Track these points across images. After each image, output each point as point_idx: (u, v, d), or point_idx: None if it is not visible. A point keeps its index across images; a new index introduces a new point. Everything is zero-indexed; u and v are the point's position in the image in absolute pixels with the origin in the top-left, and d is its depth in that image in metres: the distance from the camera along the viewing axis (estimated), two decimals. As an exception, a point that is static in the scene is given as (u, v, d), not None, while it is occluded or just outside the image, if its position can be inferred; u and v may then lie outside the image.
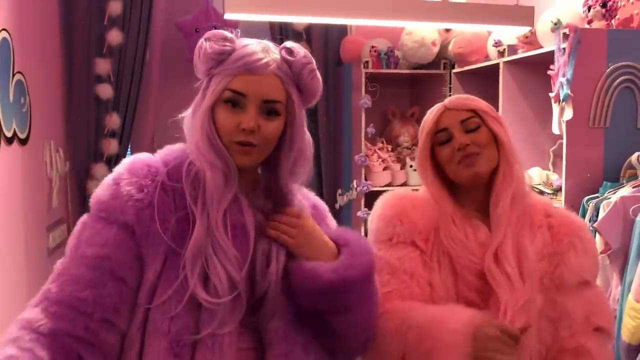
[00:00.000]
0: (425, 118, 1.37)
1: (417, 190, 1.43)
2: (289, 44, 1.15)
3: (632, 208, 1.96)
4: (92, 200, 1.11)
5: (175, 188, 1.10)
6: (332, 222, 1.27)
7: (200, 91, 1.14)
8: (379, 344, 1.20)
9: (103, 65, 3.01)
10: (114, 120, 3.03)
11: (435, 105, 1.37)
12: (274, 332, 1.11)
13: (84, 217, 1.11)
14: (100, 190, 1.11)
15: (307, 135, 1.20)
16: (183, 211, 1.08)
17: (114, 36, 2.99)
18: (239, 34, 1.14)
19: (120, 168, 1.12)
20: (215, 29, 1.18)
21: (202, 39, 1.12)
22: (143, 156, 1.14)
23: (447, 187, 1.35)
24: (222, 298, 1.05)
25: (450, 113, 1.33)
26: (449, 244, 1.27)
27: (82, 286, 1.03)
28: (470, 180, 1.30)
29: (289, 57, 1.12)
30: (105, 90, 3.02)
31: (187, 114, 1.16)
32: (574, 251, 1.29)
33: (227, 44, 1.10)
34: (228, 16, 2.06)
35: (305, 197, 1.23)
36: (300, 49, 1.15)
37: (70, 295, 1.03)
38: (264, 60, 1.09)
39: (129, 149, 3.13)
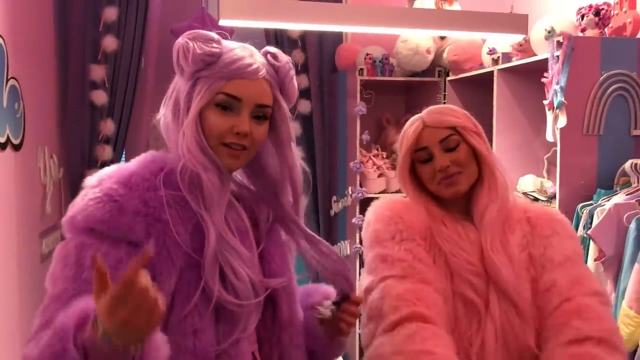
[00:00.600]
0: (404, 130, 1.38)
1: None
2: (271, 49, 1.15)
3: (625, 215, 1.96)
4: (84, 219, 1.00)
5: (174, 198, 1.05)
6: None
7: (178, 92, 1.11)
8: None
9: (98, 72, 3.00)
10: (108, 127, 3.02)
11: (414, 118, 1.38)
12: (289, 340, 1.16)
13: (79, 239, 1.00)
14: (92, 208, 1.00)
15: (294, 145, 1.21)
16: (190, 220, 1.05)
17: (109, 42, 2.99)
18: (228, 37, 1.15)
19: (108, 183, 1.03)
20: (227, 36, 1.17)
21: (184, 38, 1.09)
22: (129, 170, 1.07)
23: (430, 195, 1.38)
24: (246, 300, 1.05)
25: (429, 131, 1.35)
26: (443, 243, 1.30)
27: None
28: (452, 197, 1.35)
29: (275, 62, 1.14)
30: (100, 97, 3.01)
31: (165, 116, 1.12)
32: (557, 236, 1.34)
33: (215, 45, 1.09)
34: (223, 23, 2.06)
35: None
36: (283, 54, 1.16)
37: None
38: (256, 65, 1.10)
39: (123, 155, 3.12)
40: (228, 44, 1.12)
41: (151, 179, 1.06)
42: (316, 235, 1.21)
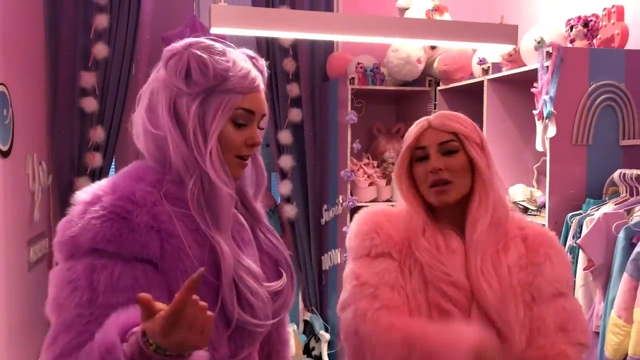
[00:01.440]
0: (410, 129, 1.39)
1: None
2: (249, 52, 1.15)
3: (614, 225, 1.97)
4: (92, 242, 0.93)
5: (179, 214, 1.02)
6: None
7: (174, 103, 1.05)
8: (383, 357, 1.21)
9: (88, 79, 2.99)
10: (98, 134, 3.01)
11: (422, 119, 1.38)
12: (282, 338, 1.19)
13: (86, 261, 0.93)
14: (99, 229, 0.93)
15: None
16: (196, 235, 1.02)
17: (100, 49, 2.98)
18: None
19: (110, 201, 0.97)
20: (218, 40, 1.15)
21: (189, 49, 1.04)
22: (127, 185, 1.01)
23: (423, 199, 1.37)
24: (264, 320, 1.06)
25: (432, 132, 1.34)
26: (420, 254, 1.30)
27: None
28: (440, 206, 1.34)
29: (261, 68, 1.15)
30: (90, 104, 3.00)
31: (150, 125, 1.07)
32: (549, 263, 1.32)
33: (225, 58, 1.06)
34: (214, 31, 2.06)
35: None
36: (258, 56, 1.16)
37: None
38: (259, 78, 1.12)
39: (113, 163, 3.11)
40: (229, 53, 1.10)
41: (154, 192, 1.01)
42: (270, 226, 1.22)
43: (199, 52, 1.04)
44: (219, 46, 1.08)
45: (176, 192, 1.04)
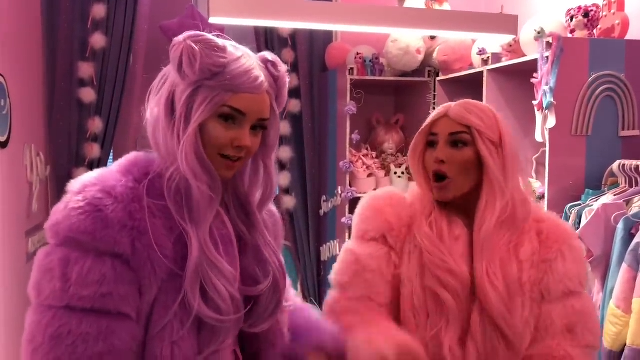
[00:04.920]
0: (434, 112, 1.37)
1: None
2: (269, 55, 1.13)
3: (613, 215, 1.97)
4: (68, 230, 0.97)
5: (159, 208, 1.03)
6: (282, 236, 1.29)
7: (173, 93, 1.06)
8: None
9: (86, 69, 2.97)
10: (96, 125, 3.00)
11: (447, 104, 1.35)
12: (268, 339, 1.15)
13: (62, 251, 0.98)
14: (76, 219, 0.97)
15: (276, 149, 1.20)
16: (175, 231, 1.03)
17: (98, 40, 2.96)
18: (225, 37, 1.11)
19: (92, 192, 0.99)
20: (226, 37, 1.14)
21: (188, 40, 1.04)
22: (113, 178, 1.03)
23: None
24: (227, 316, 1.04)
25: (446, 121, 1.32)
26: (420, 239, 1.30)
27: (92, 342, 0.95)
28: (441, 201, 1.33)
29: (275, 72, 1.12)
30: (88, 94, 2.98)
31: (154, 114, 1.08)
32: (562, 260, 1.29)
33: (222, 55, 1.05)
34: (213, 20, 2.05)
35: (270, 215, 1.23)
36: (281, 63, 1.14)
37: (84, 353, 0.95)
38: (261, 79, 1.07)
39: (111, 154, 3.10)
40: (233, 50, 1.08)
41: (136, 187, 1.03)
42: (268, 238, 1.19)
43: (192, 45, 1.03)
44: (220, 42, 1.06)
45: (160, 185, 1.05)
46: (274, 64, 1.12)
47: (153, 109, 1.09)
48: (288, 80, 1.16)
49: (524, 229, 1.31)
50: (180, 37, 1.06)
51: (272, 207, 1.25)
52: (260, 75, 1.08)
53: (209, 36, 1.06)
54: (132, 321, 1.00)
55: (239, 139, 1.06)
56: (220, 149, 1.06)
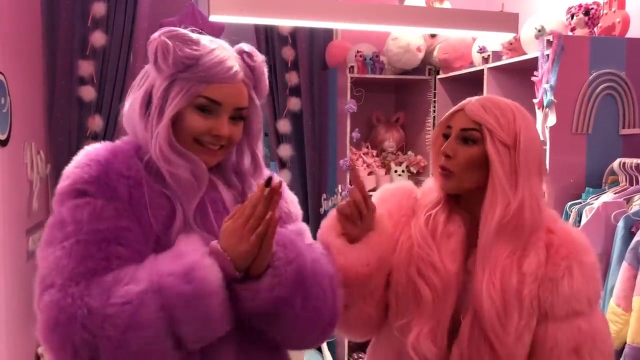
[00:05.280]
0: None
1: None
2: (246, 46, 1.17)
3: (613, 214, 1.97)
4: (73, 181, 1.04)
5: (157, 172, 1.09)
6: (298, 209, 1.31)
7: (150, 86, 1.11)
8: None
9: (86, 67, 2.98)
10: (96, 123, 3.00)
11: (468, 99, 1.32)
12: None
13: (70, 203, 1.03)
14: (80, 171, 1.05)
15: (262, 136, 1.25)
16: (163, 197, 1.09)
17: (98, 38, 2.96)
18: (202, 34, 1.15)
19: (94, 154, 1.08)
20: (201, 32, 1.17)
21: (162, 36, 1.08)
22: (113, 142, 1.13)
23: None
24: None
25: (461, 115, 1.28)
26: (413, 231, 1.31)
27: (124, 260, 1.00)
28: (444, 191, 1.32)
29: (251, 63, 1.15)
30: (88, 92, 2.99)
31: (131, 105, 1.13)
32: (569, 279, 1.22)
33: (195, 47, 1.09)
34: (213, 18, 2.05)
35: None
36: (257, 52, 1.17)
37: (110, 253, 1.00)
38: (235, 69, 1.11)
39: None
40: (207, 43, 1.12)
41: (136, 150, 1.11)
42: None
43: (165, 39, 1.08)
44: (194, 36, 1.11)
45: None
46: (249, 54, 1.15)
47: (132, 103, 1.14)
48: (266, 70, 1.19)
49: (532, 238, 1.24)
50: (156, 34, 1.10)
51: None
52: (235, 65, 1.11)
53: (183, 31, 1.11)
54: (143, 258, 1.02)
55: (216, 128, 1.10)
56: (197, 136, 1.10)
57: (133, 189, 1.05)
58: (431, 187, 1.37)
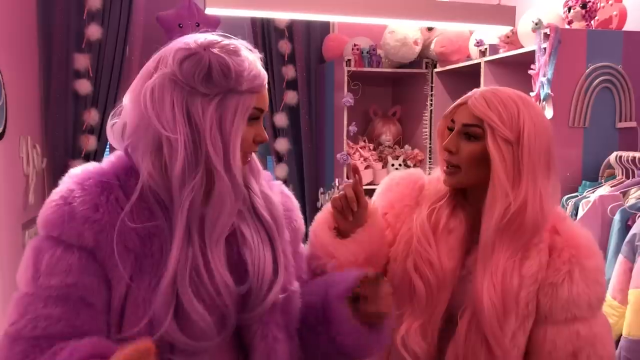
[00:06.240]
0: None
1: None
2: (249, 46, 1.11)
3: (610, 207, 1.98)
4: (42, 222, 1.00)
5: (136, 205, 1.01)
6: (299, 216, 1.29)
7: (187, 106, 1.00)
8: None
9: (82, 61, 2.96)
10: (92, 116, 2.99)
11: (474, 90, 1.28)
12: (264, 334, 1.09)
13: (36, 242, 1.00)
14: (49, 212, 0.99)
15: None
16: (145, 229, 1.00)
17: (93, 31, 2.95)
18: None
19: (68, 184, 1.01)
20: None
21: (208, 49, 1.00)
22: (93, 168, 1.04)
23: None
24: (206, 340, 1.01)
25: (464, 109, 1.25)
26: (414, 225, 1.31)
27: (54, 321, 0.96)
28: (449, 187, 1.31)
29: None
30: (84, 86, 2.97)
31: (185, 130, 1.00)
32: (569, 284, 1.20)
33: (241, 58, 1.03)
34: (209, 12, 2.04)
35: (278, 192, 1.23)
36: (255, 50, 1.11)
37: (45, 330, 0.95)
38: (263, 73, 1.09)
39: (107, 146, 3.09)
40: (240, 50, 1.06)
41: (110, 180, 1.02)
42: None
43: (219, 53, 1.01)
44: (231, 44, 1.04)
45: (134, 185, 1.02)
46: (255, 52, 1.11)
47: (162, 121, 1.00)
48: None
49: (534, 239, 1.22)
50: (193, 44, 1.02)
51: (285, 189, 1.28)
52: (262, 69, 1.09)
53: (219, 38, 1.04)
54: (95, 310, 0.98)
55: (259, 134, 1.09)
56: (247, 148, 1.07)
57: (99, 234, 0.98)
58: (439, 176, 1.35)
